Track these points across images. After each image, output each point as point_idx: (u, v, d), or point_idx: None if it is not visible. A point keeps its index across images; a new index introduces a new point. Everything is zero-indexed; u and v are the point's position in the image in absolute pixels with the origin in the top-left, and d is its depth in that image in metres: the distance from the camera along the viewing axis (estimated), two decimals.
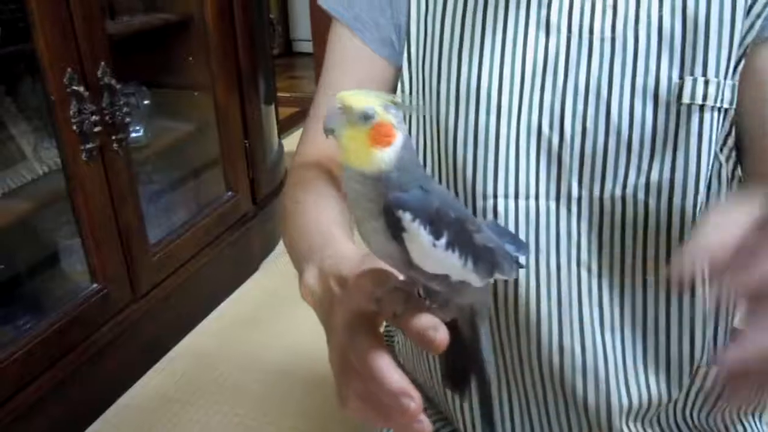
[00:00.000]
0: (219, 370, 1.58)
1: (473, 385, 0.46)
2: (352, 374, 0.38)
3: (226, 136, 1.79)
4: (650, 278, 0.62)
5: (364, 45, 0.68)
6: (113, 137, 1.34)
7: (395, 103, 0.35)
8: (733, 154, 0.60)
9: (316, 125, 0.71)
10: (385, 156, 0.34)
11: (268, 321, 1.76)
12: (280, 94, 3.03)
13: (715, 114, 0.58)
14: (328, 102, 0.69)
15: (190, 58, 1.76)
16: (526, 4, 0.61)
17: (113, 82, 1.32)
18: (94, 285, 1.39)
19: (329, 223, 0.55)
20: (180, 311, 1.67)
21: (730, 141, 0.60)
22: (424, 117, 0.66)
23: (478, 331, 0.44)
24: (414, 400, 0.35)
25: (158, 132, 1.69)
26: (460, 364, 0.45)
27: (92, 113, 1.27)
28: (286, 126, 3.07)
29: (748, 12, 0.57)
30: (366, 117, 0.34)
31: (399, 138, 0.34)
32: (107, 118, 1.32)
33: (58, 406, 1.32)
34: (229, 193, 1.83)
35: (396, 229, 0.35)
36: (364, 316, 0.39)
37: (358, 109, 0.34)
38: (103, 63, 1.30)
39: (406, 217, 0.34)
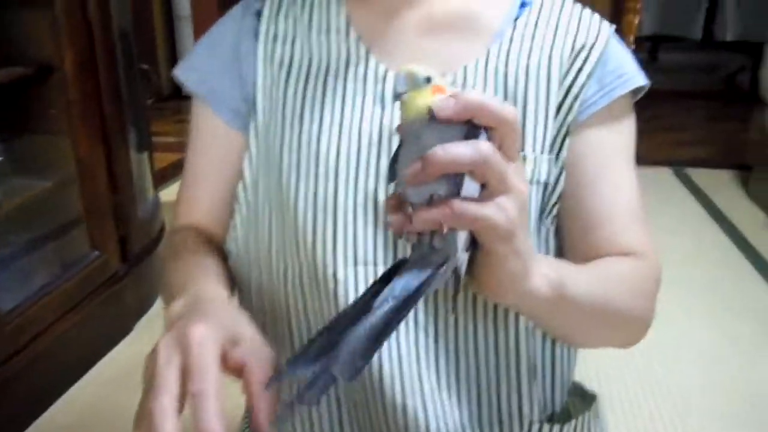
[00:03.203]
0: None
1: None
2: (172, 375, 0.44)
3: (89, 192, 1.70)
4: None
5: (221, 121, 0.68)
6: None
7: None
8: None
9: (190, 201, 0.73)
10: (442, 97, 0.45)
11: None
12: (166, 139, 2.93)
13: (533, 187, 0.61)
14: None
15: (52, 111, 1.67)
16: (363, 79, 0.64)
17: None
18: None
19: (205, 274, 0.62)
20: (42, 382, 1.55)
21: (555, 210, 0.63)
22: (270, 187, 0.66)
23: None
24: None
25: (13, 191, 1.59)
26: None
27: None
28: (172, 173, 2.98)
29: (561, 82, 0.60)
30: (428, 80, 0.45)
31: (449, 91, 0.45)
32: None
33: None
34: (96, 252, 1.74)
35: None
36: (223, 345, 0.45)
37: (423, 74, 0.45)
38: None
39: (483, 135, 0.45)
